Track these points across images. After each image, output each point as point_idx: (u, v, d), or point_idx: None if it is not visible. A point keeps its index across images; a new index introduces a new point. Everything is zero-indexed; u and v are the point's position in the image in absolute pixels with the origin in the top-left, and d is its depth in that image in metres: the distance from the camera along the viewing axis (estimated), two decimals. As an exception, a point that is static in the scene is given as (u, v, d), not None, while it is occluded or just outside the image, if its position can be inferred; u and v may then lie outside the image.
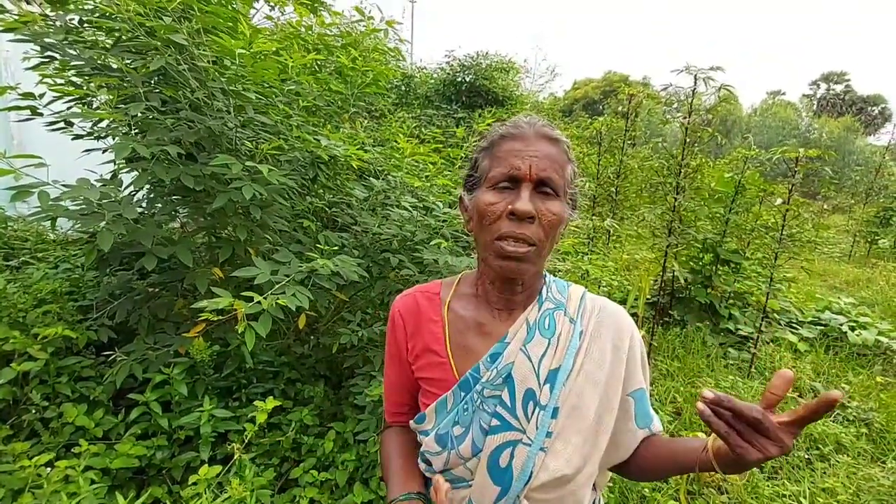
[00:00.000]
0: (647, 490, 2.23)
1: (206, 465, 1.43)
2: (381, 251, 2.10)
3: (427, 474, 0.84)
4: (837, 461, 2.66)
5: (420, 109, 6.43)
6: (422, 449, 0.81)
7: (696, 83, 3.14)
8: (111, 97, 1.78)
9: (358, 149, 2.03)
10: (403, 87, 7.04)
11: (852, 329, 4.43)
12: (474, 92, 6.84)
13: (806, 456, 2.71)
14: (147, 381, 1.76)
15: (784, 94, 42.14)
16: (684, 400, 3.16)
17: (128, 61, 1.79)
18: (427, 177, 2.39)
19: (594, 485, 0.83)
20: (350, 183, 2.31)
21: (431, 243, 1.95)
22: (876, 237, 9.56)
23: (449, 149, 2.44)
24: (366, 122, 3.07)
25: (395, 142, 2.46)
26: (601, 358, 0.78)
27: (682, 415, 3.02)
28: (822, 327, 4.56)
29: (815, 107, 39.71)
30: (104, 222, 1.59)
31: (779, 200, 3.81)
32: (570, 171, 0.76)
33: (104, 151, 1.94)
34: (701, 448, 0.69)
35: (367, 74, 2.42)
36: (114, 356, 1.80)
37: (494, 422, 0.74)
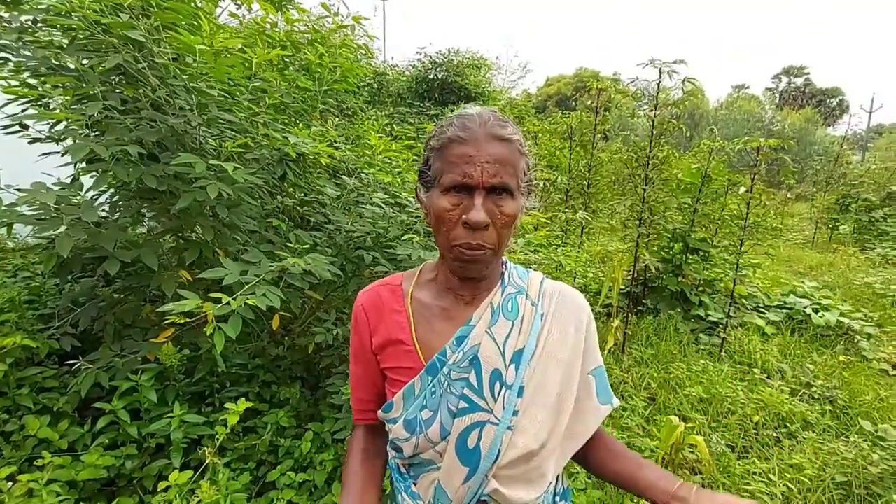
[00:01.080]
0: (623, 475, 2.27)
1: (178, 471, 1.39)
2: (355, 249, 2.08)
3: (397, 461, 0.84)
4: (804, 438, 2.76)
5: (392, 107, 6.39)
6: (391, 437, 0.81)
7: (661, 76, 3.21)
8: (68, 97, 1.72)
9: (328, 146, 2.01)
10: (375, 86, 6.99)
11: (816, 311, 4.61)
12: (447, 89, 6.84)
13: (775, 434, 2.81)
14: (114, 389, 1.71)
15: (748, 87, 43.55)
16: (658, 385, 3.23)
17: (84, 61, 1.73)
18: (399, 173, 2.39)
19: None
20: (322, 181, 2.28)
21: (404, 238, 1.94)
22: (836, 223, 9.98)
23: (421, 145, 2.44)
24: (337, 120, 3.04)
25: (367, 139, 2.45)
26: (562, 338, 0.82)
27: (656, 400, 3.09)
28: (788, 311, 4.74)
29: (777, 100, 41.13)
30: (63, 227, 1.54)
31: (742, 189, 3.93)
32: (523, 167, 0.76)
33: (63, 154, 1.88)
34: (663, 495, 0.78)
35: (336, 71, 2.39)
36: (78, 365, 1.74)
37: (462, 404, 0.76)
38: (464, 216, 0.71)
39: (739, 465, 2.50)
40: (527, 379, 0.77)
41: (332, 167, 2.33)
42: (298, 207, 2.27)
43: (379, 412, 0.85)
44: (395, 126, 3.87)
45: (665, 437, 2.37)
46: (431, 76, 6.78)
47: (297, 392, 2.07)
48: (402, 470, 0.84)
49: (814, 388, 3.33)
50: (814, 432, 2.83)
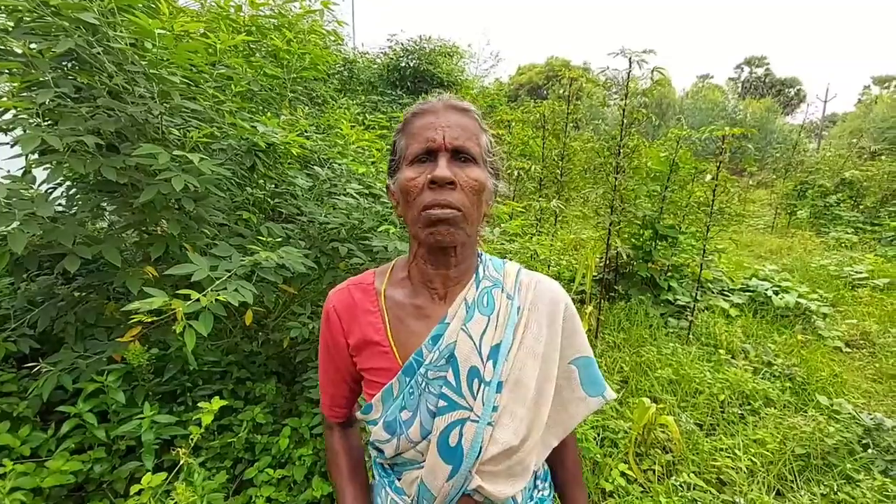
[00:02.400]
0: (598, 456, 2.34)
1: (151, 474, 1.35)
2: (330, 241, 2.04)
3: (378, 460, 0.84)
4: (766, 414, 2.90)
5: (364, 96, 6.28)
6: (371, 438, 0.80)
7: (630, 66, 3.26)
8: (15, 84, 1.61)
9: (299, 136, 1.95)
10: (346, 73, 6.85)
11: (776, 293, 4.82)
12: (419, 77, 6.76)
13: (739, 412, 2.94)
14: (78, 391, 1.64)
15: (712, 77, 44.75)
16: (630, 369, 3.33)
17: (33, 45, 1.62)
18: (373, 163, 2.35)
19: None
20: (293, 172, 2.23)
21: (380, 230, 1.92)
22: (794, 209, 10.42)
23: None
24: (307, 108, 2.96)
25: (339, 129, 2.39)
26: (539, 331, 0.81)
27: (628, 383, 3.19)
28: (750, 293, 4.94)
29: (739, 89, 42.42)
30: (16, 222, 1.45)
31: (708, 177, 4.05)
32: (485, 140, 0.78)
33: (12, 145, 1.76)
34: None
35: (305, 58, 2.32)
36: (38, 367, 1.65)
37: (441, 403, 0.75)
38: (429, 175, 0.71)
39: (707, 442, 2.60)
40: (505, 374, 0.77)
41: (304, 158, 2.27)
42: (269, 199, 2.21)
43: (358, 414, 0.84)
44: (367, 115, 3.80)
45: (637, 418, 2.44)
46: (403, 64, 6.67)
47: (273, 388, 2.03)
48: (385, 467, 0.84)
49: (774, 367, 3.50)
50: (775, 408, 2.97)
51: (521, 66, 34.75)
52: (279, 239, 1.73)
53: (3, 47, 1.62)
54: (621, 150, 3.66)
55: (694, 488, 2.26)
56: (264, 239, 1.67)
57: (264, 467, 1.73)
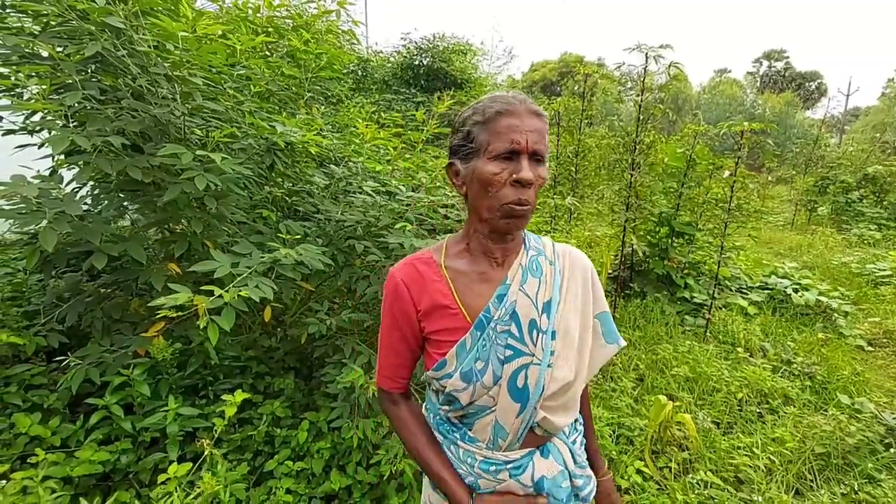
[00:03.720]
0: (614, 453, 2.33)
1: (176, 464, 1.39)
2: (346, 238, 2.07)
3: (449, 414, 0.95)
4: (785, 413, 2.86)
5: (378, 94, 6.30)
6: (447, 390, 0.90)
7: (647, 61, 3.22)
8: (43, 87, 1.66)
9: (316, 135, 1.98)
10: (360, 72, 6.88)
11: (796, 291, 4.74)
12: (432, 75, 6.75)
13: (757, 410, 2.90)
14: (105, 384, 1.69)
15: (730, 71, 43.89)
16: (646, 367, 3.31)
17: (59, 48, 1.67)
18: (388, 161, 2.37)
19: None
20: (310, 170, 2.26)
21: (396, 227, 1.94)
22: (815, 205, 10.20)
23: (410, 132, 2.42)
24: (322, 108, 3.00)
25: (354, 127, 2.42)
26: (576, 290, 0.97)
27: (644, 380, 3.17)
28: (769, 291, 4.86)
29: (758, 84, 41.54)
30: (46, 221, 1.50)
31: (727, 173, 3.99)
32: (547, 140, 0.89)
33: (39, 147, 1.82)
34: (600, 471, 1.09)
35: (321, 58, 2.35)
36: (67, 361, 1.71)
37: (508, 352, 0.88)
38: (514, 175, 0.83)
39: (724, 440, 2.58)
40: (556, 325, 0.91)
41: (320, 156, 2.30)
42: (287, 198, 2.24)
43: (429, 372, 0.93)
44: (381, 113, 3.82)
45: (654, 415, 2.43)
46: (417, 62, 6.67)
47: (292, 382, 2.07)
48: (454, 422, 0.96)
49: (794, 365, 3.44)
50: (794, 407, 2.93)
51: (535, 63, 34.51)
52: (298, 236, 1.76)
53: (30, 51, 1.68)
54: (637, 147, 3.63)
55: (711, 486, 2.25)
56: (283, 236, 1.70)
57: (284, 460, 1.77)
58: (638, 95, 3.50)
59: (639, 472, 2.28)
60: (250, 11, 2.27)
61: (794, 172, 12.08)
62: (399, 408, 1.02)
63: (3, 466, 1.37)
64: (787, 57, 43.83)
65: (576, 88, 4.42)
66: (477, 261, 0.94)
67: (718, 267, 4.11)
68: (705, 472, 2.31)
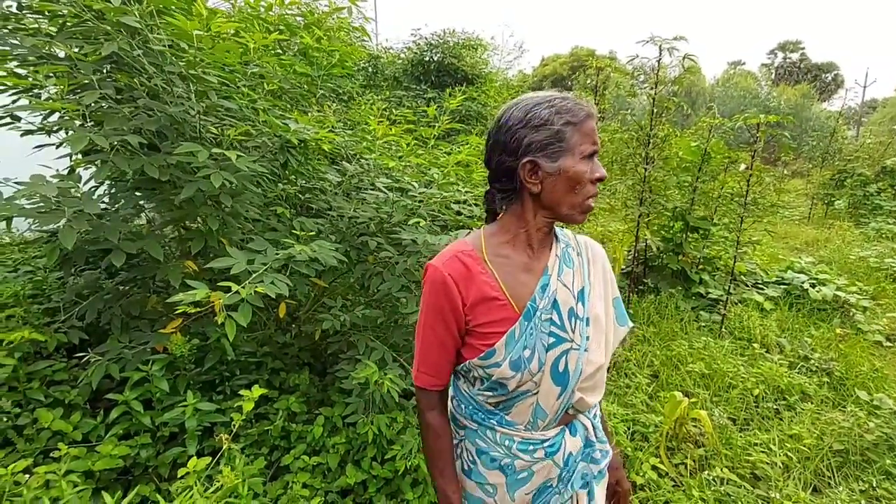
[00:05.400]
0: (629, 450, 2.32)
1: (195, 458, 1.41)
2: (359, 235, 2.08)
3: (490, 401, 0.99)
4: (802, 409, 2.82)
5: (389, 91, 6.29)
6: (494, 378, 0.94)
7: (661, 53, 3.18)
8: (60, 87, 1.68)
9: (328, 132, 1.98)
10: (370, 69, 6.88)
11: (813, 286, 4.66)
12: (443, 71, 6.72)
13: (774, 407, 2.86)
14: (125, 380, 1.71)
15: (744, 63, 43.13)
16: (661, 363, 3.28)
17: (76, 49, 1.69)
18: (400, 157, 2.37)
19: None
20: (323, 167, 2.26)
21: (410, 223, 1.94)
22: (832, 199, 10.01)
23: (422, 128, 2.42)
24: (334, 105, 3.00)
25: (366, 124, 2.42)
26: (599, 277, 1.04)
27: (659, 377, 3.14)
28: (786, 286, 4.78)
29: (773, 76, 40.81)
30: (65, 219, 1.52)
31: (742, 167, 3.93)
32: None
33: (57, 146, 1.85)
34: (608, 443, 1.11)
35: (333, 55, 2.35)
36: (87, 357, 1.74)
37: (551, 339, 0.93)
38: (596, 174, 0.91)
39: (741, 437, 2.55)
40: (589, 311, 0.97)
41: (332, 153, 2.31)
42: (300, 195, 2.25)
43: (474, 361, 0.95)
44: (392, 110, 3.82)
45: (669, 412, 2.41)
46: (427, 58, 6.64)
47: (307, 378, 2.08)
48: (490, 408, 1.00)
49: (811, 361, 3.39)
50: (812, 403, 2.89)
51: (545, 58, 34.25)
52: (311, 233, 1.77)
53: (47, 52, 1.70)
54: (651, 141, 3.58)
55: (727, 483, 2.22)
56: (297, 233, 1.71)
57: (300, 454, 1.78)
58: (651, 88, 3.45)
59: (654, 468, 2.27)
60: (262, 9, 2.28)
61: (810, 166, 11.86)
62: (434, 414, 1.03)
63: (27, 461, 1.40)
64: (803, 48, 42.97)
65: (588, 82, 4.38)
66: (518, 253, 0.97)
67: (734, 262, 4.05)
68: (721, 469, 2.28)
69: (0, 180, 1.56)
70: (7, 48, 1.66)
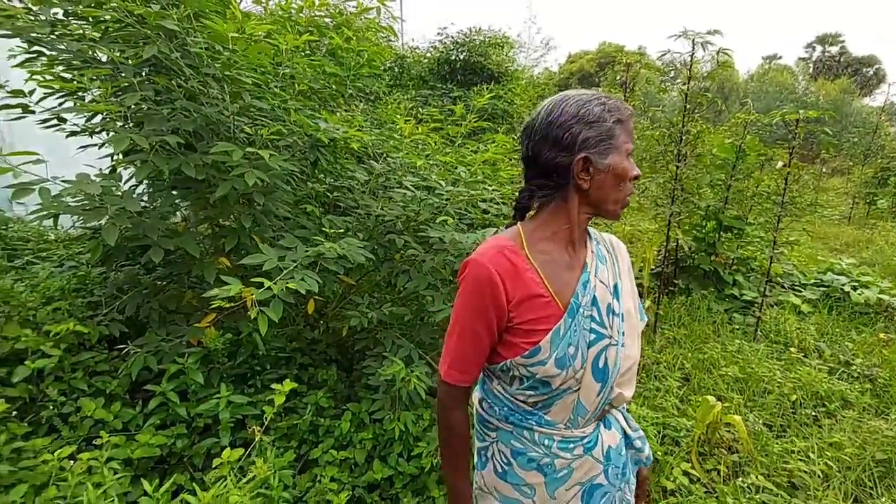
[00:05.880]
0: (659, 453, 2.27)
1: (229, 449, 1.45)
2: (386, 233, 2.09)
3: (531, 400, 0.97)
4: (843, 416, 2.70)
5: (415, 90, 6.32)
6: (538, 376, 0.93)
7: (693, 48, 3.09)
8: (104, 90, 1.76)
9: (357, 131, 2.00)
10: (397, 69, 6.93)
11: (854, 289, 4.45)
12: (469, 70, 6.71)
13: (813, 414, 2.75)
14: (162, 372, 1.77)
15: (780, 58, 41.51)
16: (692, 366, 3.19)
17: (117, 53, 1.76)
18: (427, 156, 2.37)
19: None
20: (351, 166, 2.29)
21: (437, 221, 1.94)
22: (874, 198, 9.55)
23: (449, 126, 2.42)
24: (362, 104, 3.03)
25: (393, 123, 2.43)
26: (626, 273, 1.06)
27: (690, 380, 3.06)
28: (825, 288, 4.59)
29: (811, 70, 39.21)
30: (107, 216, 1.58)
31: (779, 164, 3.78)
32: None
33: (100, 147, 1.92)
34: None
35: (362, 55, 2.37)
36: (127, 349, 1.81)
37: (591, 336, 0.93)
38: (634, 172, 0.93)
39: (777, 443, 2.46)
40: (622, 307, 0.99)
41: (360, 152, 2.33)
42: (328, 193, 2.28)
43: (516, 359, 0.93)
44: (419, 109, 3.83)
45: (701, 416, 2.34)
46: (453, 57, 6.64)
47: (334, 374, 2.11)
48: (527, 408, 0.98)
49: (853, 367, 3.24)
50: (853, 411, 2.76)
51: (572, 54, 33.79)
52: (340, 231, 1.79)
53: (91, 56, 1.77)
54: (683, 137, 3.49)
55: (763, 490, 2.15)
56: (326, 230, 1.73)
57: (328, 448, 1.81)
58: (683, 84, 3.36)
59: (685, 473, 2.21)
60: (293, 11, 2.32)
61: (851, 163, 11.34)
62: (461, 414, 1.01)
63: (71, 447, 1.46)
64: (843, 41, 41.09)
65: (616, 79, 4.30)
66: (559, 249, 0.97)
67: (770, 263, 3.91)
68: (756, 476, 2.21)
69: (48, 179, 1.63)
70: (54, 53, 1.75)
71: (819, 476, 2.25)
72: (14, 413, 1.62)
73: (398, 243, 1.99)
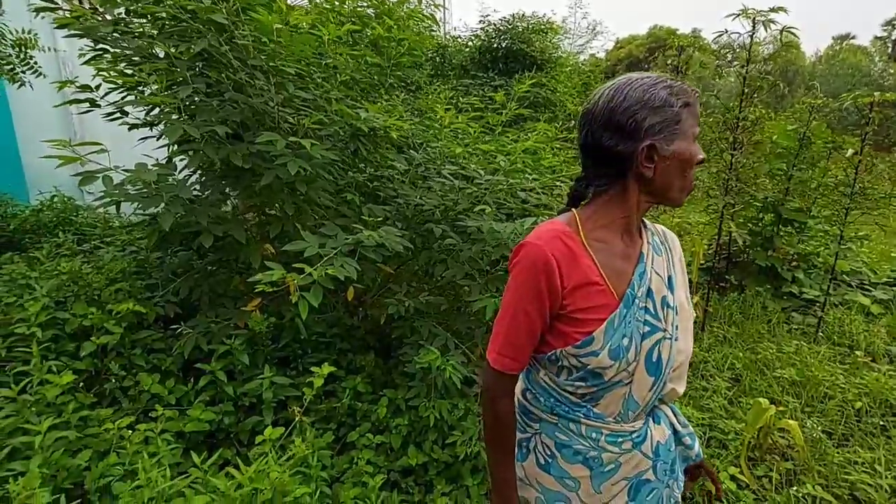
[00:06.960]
0: (704, 456, 2.17)
1: (271, 427, 1.51)
2: (424, 222, 2.10)
3: (580, 391, 0.94)
4: (917, 428, 2.48)
5: (456, 80, 6.29)
6: (589, 367, 0.90)
7: (754, 27, 2.88)
8: (160, 84, 1.85)
9: (396, 120, 2.01)
10: (438, 59, 6.91)
11: (934, 290, 4.07)
12: (511, 57, 6.59)
13: (881, 423, 2.54)
14: (212, 352, 1.87)
15: (854, 37, 38.12)
16: (743, 366, 3.03)
17: (172, 48, 1.85)
18: (467, 145, 2.35)
19: None
20: (391, 155, 2.31)
21: (475, 210, 1.92)
22: (963, 190, 8.65)
23: (489, 115, 2.38)
24: (402, 94, 3.04)
25: (434, 112, 2.42)
26: (678, 266, 1.03)
27: (741, 381, 2.90)
28: (899, 289, 4.22)
29: (889, 50, 35.81)
30: (163, 204, 1.68)
31: (850, 152, 3.49)
32: None
33: (158, 138, 2.03)
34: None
35: (403, 44, 2.38)
36: (180, 329, 1.91)
37: (646, 328, 0.91)
38: (699, 156, 0.89)
39: (838, 453, 2.29)
40: (676, 299, 0.97)
41: (399, 141, 2.34)
42: (369, 182, 2.31)
43: (567, 349, 0.90)
44: (459, 98, 3.81)
45: (752, 419, 2.22)
46: (496, 45, 6.54)
47: (372, 360, 2.15)
48: (575, 400, 0.96)
49: (930, 375, 2.97)
50: (929, 422, 2.53)
51: (620, 40, 32.49)
52: (379, 219, 1.81)
53: (150, 52, 1.87)
54: (739, 124, 3.28)
55: (820, 502, 2.01)
56: (366, 219, 1.76)
57: (365, 432, 1.85)
58: (742, 67, 3.15)
59: (733, 478, 2.10)
60: (336, 3, 2.35)
61: (935, 152, 10.30)
62: (509, 403, 0.98)
63: (130, 418, 1.57)
64: (930, 16, 37.15)
65: (668, 63, 4.09)
66: (615, 238, 0.94)
67: (836, 259, 3.63)
68: (813, 486, 2.07)
69: (111, 167, 1.74)
70: (117, 50, 1.86)
71: (886, 491, 2.08)
72: (81, 385, 1.75)
73: (436, 232, 1.99)
